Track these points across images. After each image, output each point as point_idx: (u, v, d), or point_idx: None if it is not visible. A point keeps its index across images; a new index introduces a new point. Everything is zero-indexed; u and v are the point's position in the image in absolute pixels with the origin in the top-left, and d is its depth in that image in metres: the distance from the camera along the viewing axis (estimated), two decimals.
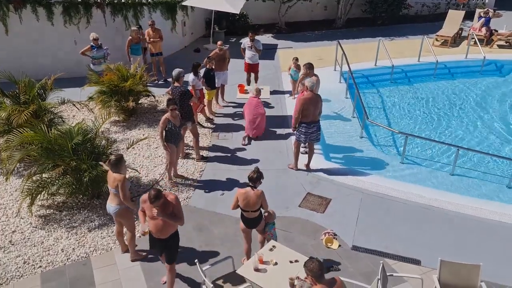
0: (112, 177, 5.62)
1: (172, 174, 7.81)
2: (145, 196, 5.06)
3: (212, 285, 4.96)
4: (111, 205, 5.79)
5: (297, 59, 10.40)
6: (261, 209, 5.62)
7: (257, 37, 10.89)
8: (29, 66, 10.81)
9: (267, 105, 10.53)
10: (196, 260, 5.22)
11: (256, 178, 5.48)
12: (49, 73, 9.44)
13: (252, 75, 10.97)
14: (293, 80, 10.53)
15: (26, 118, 7.83)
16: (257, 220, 5.65)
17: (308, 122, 7.64)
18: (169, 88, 8.44)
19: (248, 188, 5.48)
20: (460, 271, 5.03)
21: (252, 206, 5.51)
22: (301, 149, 8.26)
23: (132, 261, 6.10)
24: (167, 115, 7.21)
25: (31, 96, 8.46)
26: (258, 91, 9.08)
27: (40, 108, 8.39)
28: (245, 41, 10.65)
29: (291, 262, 5.20)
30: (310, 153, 8.10)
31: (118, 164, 5.62)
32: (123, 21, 12.36)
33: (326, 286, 3.98)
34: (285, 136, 9.24)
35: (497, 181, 8.12)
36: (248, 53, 10.63)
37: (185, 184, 7.79)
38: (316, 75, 8.82)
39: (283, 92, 11.22)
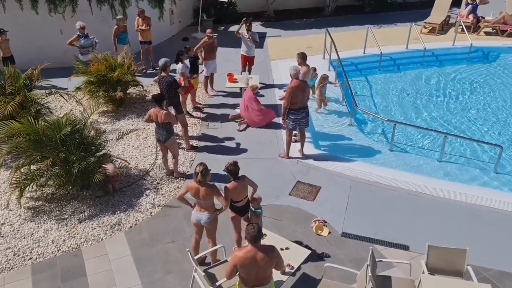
0: (203, 190, 5.34)
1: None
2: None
3: (203, 274, 5.01)
4: (204, 214, 5.49)
5: (315, 69, 10.07)
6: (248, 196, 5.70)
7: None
8: (15, 56, 10.61)
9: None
10: (187, 250, 5.25)
11: (237, 170, 5.48)
12: (35, 63, 9.30)
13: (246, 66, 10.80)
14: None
15: (12, 109, 7.73)
16: (247, 207, 5.71)
17: (297, 108, 7.70)
18: (156, 77, 8.38)
19: (235, 183, 5.48)
20: (447, 255, 5.12)
21: (242, 195, 5.58)
22: (292, 138, 8.29)
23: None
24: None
25: (17, 86, 8.33)
26: (255, 88, 9.19)
27: (26, 99, 8.29)
28: (244, 32, 10.40)
29: (281, 249, 5.26)
30: (302, 139, 8.17)
31: (207, 173, 5.39)
32: (109, 9, 12.17)
33: (258, 248, 4.30)
34: (275, 125, 9.24)
35: (484, 167, 8.25)
36: (245, 43, 10.44)
37: None
38: (307, 65, 8.81)
39: (272, 81, 11.20)
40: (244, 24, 10.41)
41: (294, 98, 7.62)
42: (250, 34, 10.33)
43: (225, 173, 5.57)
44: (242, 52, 10.67)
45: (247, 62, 10.75)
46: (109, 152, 7.65)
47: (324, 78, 9.76)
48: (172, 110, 7.90)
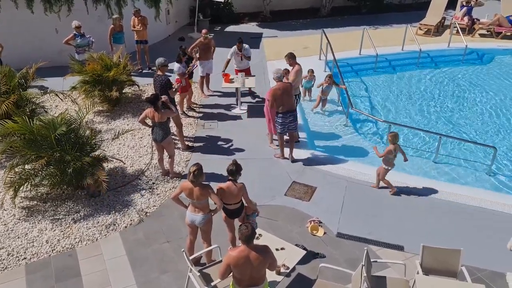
0: (198, 190, 5.33)
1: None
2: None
3: (198, 274, 5.00)
4: (199, 215, 5.48)
5: (312, 71, 10.14)
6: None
7: (243, 25, 10.66)
8: (10, 55, 10.57)
9: (252, 94, 10.56)
10: (183, 250, 5.25)
11: (235, 171, 5.45)
12: (30, 62, 9.26)
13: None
14: (304, 89, 10.34)
15: (7, 109, 7.70)
16: (239, 210, 5.69)
17: (284, 112, 7.69)
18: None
19: (229, 183, 5.45)
20: (442, 256, 5.14)
21: (234, 200, 5.54)
22: (286, 138, 8.29)
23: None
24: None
25: (12, 86, 8.30)
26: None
27: (21, 98, 8.25)
28: (233, 50, 10.08)
29: (277, 249, 5.26)
30: (291, 144, 8.09)
31: (200, 174, 5.35)
32: (105, 9, 12.14)
33: (252, 248, 4.31)
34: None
35: (478, 168, 8.29)
36: (236, 60, 10.14)
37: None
38: (298, 64, 8.79)
39: (268, 82, 11.20)
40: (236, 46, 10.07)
41: (278, 101, 7.59)
42: (241, 54, 9.98)
43: (222, 172, 5.53)
44: (235, 66, 10.30)
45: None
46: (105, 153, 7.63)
47: (330, 77, 9.72)
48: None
